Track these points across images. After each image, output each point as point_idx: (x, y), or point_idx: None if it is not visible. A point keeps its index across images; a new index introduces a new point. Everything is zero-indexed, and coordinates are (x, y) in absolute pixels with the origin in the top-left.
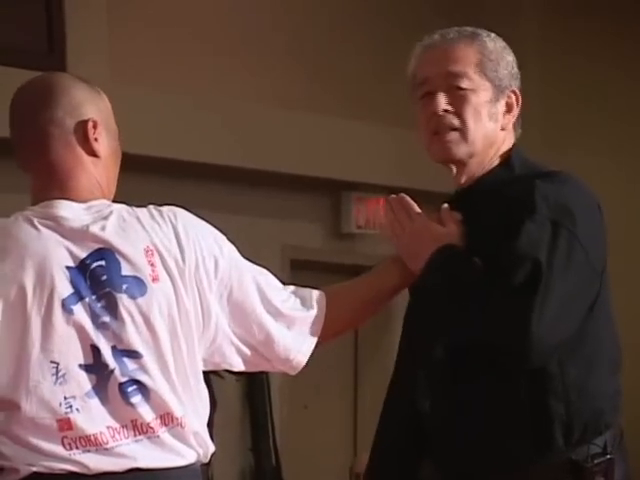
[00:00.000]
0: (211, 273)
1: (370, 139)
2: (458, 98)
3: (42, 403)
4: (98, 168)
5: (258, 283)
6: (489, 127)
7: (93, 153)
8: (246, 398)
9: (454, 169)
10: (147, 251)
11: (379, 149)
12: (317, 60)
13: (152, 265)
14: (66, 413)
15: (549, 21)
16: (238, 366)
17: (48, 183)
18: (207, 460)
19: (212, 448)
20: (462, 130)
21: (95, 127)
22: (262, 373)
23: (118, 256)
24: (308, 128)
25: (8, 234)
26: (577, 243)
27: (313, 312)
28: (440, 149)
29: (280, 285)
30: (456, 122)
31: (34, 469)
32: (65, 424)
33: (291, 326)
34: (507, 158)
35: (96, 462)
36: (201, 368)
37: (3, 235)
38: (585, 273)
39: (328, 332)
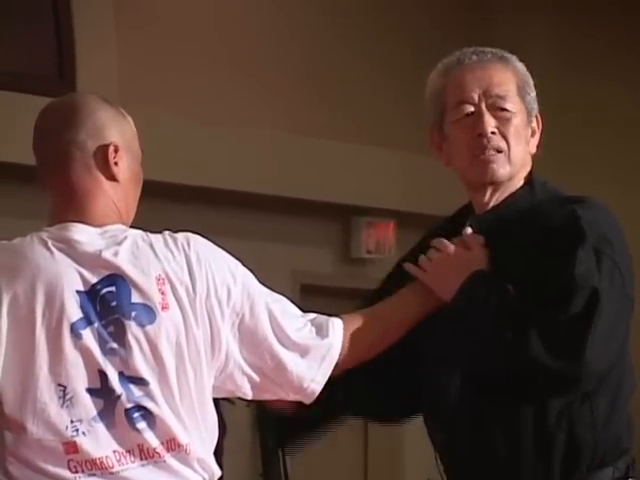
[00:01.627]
0: (223, 302)
1: (379, 164)
2: (502, 120)
3: (48, 426)
4: (117, 192)
5: (271, 311)
6: (525, 150)
7: (112, 177)
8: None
9: (488, 192)
10: (158, 279)
11: (388, 174)
12: (328, 87)
13: (162, 293)
14: (72, 436)
15: (556, 42)
16: (251, 394)
17: (66, 204)
18: None
19: (218, 473)
20: (506, 152)
21: (116, 151)
22: None
23: (129, 283)
24: (317, 153)
25: (23, 255)
26: (617, 270)
27: (328, 340)
28: (484, 170)
29: (297, 312)
30: (503, 144)
31: None
32: (71, 447)
33: (305, 355)
34: (528, 181)
35: None
36: (210, 395)
37: (17, 255)
38: (623, 299)
39: (347, 359)
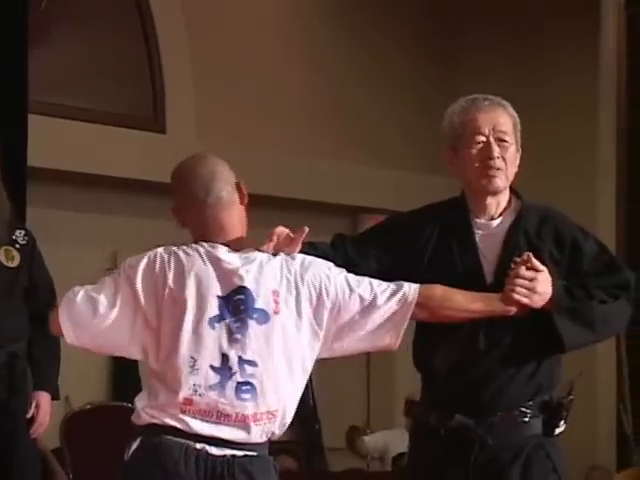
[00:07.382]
0: (322, 297)
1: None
2: (503, 148)
3: (179, 383)
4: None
5: (356, 292)
6: (514, 169)
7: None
8: None
9: (489, 198)
10: (273, 292)
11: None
12: (345, 118)
13: (276, 302)
14: (191, 395)
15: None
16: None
17: (212, 234)
18: (280, 432)
19: (288, 421)
20: (504, 171)
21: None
22: None
23: (254, 294)
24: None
25: (191, 264)
26: None
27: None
28: (489, 183)
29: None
30: (502, 165)
31: (154, 421)
32: (187, 401)
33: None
34: (513, 192)
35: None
36: (310, 363)
37: (188, 262)
38: None
39: (425, 307)
